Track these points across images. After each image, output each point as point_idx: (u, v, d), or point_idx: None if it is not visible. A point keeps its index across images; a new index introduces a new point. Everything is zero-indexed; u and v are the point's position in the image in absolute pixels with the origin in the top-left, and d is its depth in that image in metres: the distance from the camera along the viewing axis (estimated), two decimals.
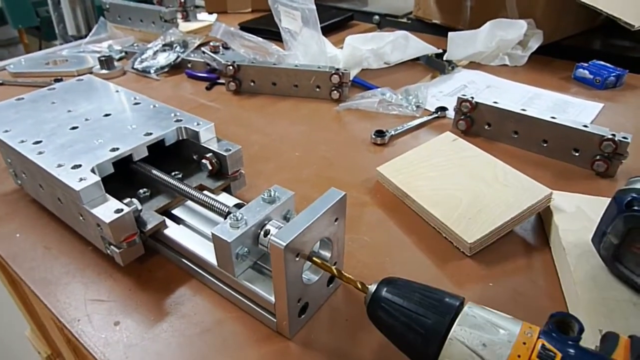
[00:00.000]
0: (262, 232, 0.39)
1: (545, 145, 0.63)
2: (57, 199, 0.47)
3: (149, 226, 0.44)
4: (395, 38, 0.84)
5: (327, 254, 0.39)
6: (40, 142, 0.48)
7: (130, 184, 0.49)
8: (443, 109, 0.75)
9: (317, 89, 0.80)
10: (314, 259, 0.36)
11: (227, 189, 0.52)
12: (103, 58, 0.90)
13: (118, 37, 1.07)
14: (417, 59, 0.96)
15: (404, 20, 1.28)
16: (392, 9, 1.33)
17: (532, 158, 0.64)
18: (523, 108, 0.64)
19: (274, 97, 0.82)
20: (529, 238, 0.50)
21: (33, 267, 0.46)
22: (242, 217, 0.38)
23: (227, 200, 0.49)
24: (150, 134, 0.49)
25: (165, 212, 0.48)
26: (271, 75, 0.81)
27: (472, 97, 0.67)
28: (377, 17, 1.27)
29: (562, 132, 0.61)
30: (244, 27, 1.16)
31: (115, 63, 0.93)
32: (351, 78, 0.82)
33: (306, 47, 0.82)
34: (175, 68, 0.93)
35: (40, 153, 0.46)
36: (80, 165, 0.44)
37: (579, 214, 0.48)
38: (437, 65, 0.93)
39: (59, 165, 0.44)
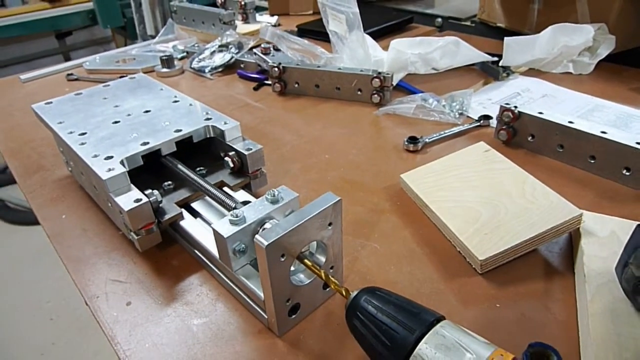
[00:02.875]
0: (260, 230, 0.40)
1: (592, 161, 0.58)
2: (93, 186, 0.52)
3: (167, 216, 0.47)
4: (445, 44, 0.82)
5: (321, 257, 0.40)
6: (85, 133, 0.53)
7: (159, 176, 0.53)
8: (487, 117, 0.72)
9: (359, 92, 0.80)
10: (305, 261, 0.37)
11: (248, 187, 0.54)
12: (164, 57, 0.96)
13: (183, 37, 1.15)
14: (473, 63, 0.92)
15: (468, 23, 1.23)
16: (456, 12, 1.28)
17: (576, 174, 0.59)
18: (571, 120, 0.60)
19: (317, 99, 0.83)
20: (553, 260, 0.46)
21: (70, 246, 0.51)
22: (242, 214, 0.39)
23: (242, 197, 0.51)
24: (180, 130, 0.53)
25: (186, 204, 0.51)
26: (315, 78, 0.82)
27: (515, 107, 0.63)
28: (439, 19, 1.24)
29: (613, 149, 0.56)
30: (302, 28, 1.18)
31: (176, 62, 0.99)
32: (394, 82, 0.81)
33: (352, 50, 0.83)
34: (229, 68, 0.98)
35: (82, 144, 0.51)
36: (112, 157, 0.48)
37: (611, 240, 0.44)
38: (491, 71, 0.89)
39: (95, 156, 0.48)
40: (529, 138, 0.64)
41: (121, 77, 0.94)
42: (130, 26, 1.94)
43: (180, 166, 0.51)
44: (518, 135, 0.65)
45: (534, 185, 0.51)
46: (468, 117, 0.74)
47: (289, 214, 0.42)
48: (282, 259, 0.35)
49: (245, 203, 0.45)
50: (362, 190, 0.58)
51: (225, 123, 0.54)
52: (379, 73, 0.77)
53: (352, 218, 0.53)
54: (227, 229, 0.38)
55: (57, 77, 1.00)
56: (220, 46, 0.99)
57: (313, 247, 0.41)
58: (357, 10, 0.75)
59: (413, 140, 0.66)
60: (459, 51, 0.83)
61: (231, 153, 0.53)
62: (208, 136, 0.54)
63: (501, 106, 0.64)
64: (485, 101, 0.79)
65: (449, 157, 0.58)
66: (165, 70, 0.97)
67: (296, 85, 0.85)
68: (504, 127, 0.65)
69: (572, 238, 0.48)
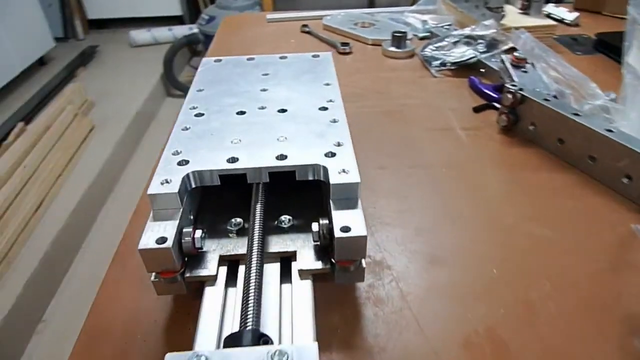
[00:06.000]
0: None
1: None
2: None
3: (194, 272, 0.35)
4: None
5: None
6: (202, 115, 0.44)
7: (246, 203, 0.40)
8: None
9: (625, 180, 0.48)
10: None
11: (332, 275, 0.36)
12: (397, 34, 0.79)
13: (442, 13, 0.94)
14: None
15: None
16: None
17: None
18: None
19: (551, 161, 0.54)
20: None
21: None
22: None
23: (298, 296, 0.33)
24: (284, 157, 0.38)
25: (237, 261, 0.37)
26: (561, 128, 0.53)
27: None
28: None
29: None
30: (602, 39, 0.82)
31: (409, 42, 0.81)
32: None
33: None
34: (466, 68, 0.74)
35: (185, 129, 0.42)
36: (187, 162, 0.37)
37: None
38: None
39: (175, 153, 0.39)
40: None
41: (342, 44, 0.83)
42: None
43: (257, 206, 0.37)
44: None
45: None
46: None
47: None
48: None
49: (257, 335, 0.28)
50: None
51: (343, 172, 0.36)
52: None
53: None
54: None
55: (296, 24, 0.96)
56: (467, 37, 0.76)
57: None
58: None
59: None
60: None
61: (324, 221, 0.35)
62: (312, 178, 0.38)
63: None
64: None
65: None
66: (392, 49, 0.81)
67: (531, 128, 0.57)
68: None
69: None
